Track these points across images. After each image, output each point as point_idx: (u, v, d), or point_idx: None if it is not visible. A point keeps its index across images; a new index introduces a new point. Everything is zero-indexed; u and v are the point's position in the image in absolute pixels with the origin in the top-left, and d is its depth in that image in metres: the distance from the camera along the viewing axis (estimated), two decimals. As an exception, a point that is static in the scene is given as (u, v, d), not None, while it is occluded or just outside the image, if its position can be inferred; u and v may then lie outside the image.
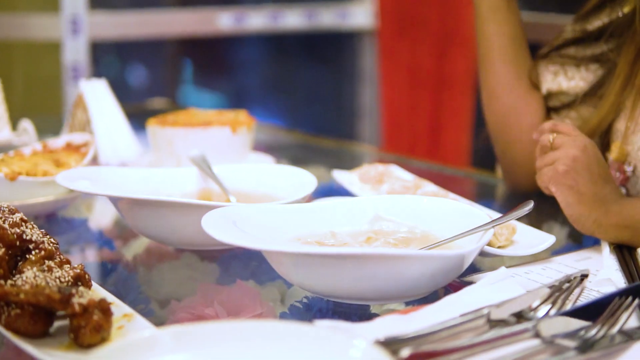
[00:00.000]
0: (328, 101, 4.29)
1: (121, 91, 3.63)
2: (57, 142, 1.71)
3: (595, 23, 1.67)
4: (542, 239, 1.32)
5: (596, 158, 1.37)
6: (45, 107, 3.23)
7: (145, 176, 1.50)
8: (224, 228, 1.13)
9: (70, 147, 1.70)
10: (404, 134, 3.14)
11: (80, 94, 1.99)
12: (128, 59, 3.94)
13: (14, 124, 1.99)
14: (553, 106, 1.70)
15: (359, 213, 1.32)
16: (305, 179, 1.46)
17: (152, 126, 1.74)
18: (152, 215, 1.30)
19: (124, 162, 1.94)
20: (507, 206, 1.72)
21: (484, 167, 2.82)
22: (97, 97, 1.97)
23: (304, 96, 4.35)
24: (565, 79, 1.69)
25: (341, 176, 1.71)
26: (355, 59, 3.99)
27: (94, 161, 1.90)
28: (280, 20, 3.63)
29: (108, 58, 3.77)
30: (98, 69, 3.42)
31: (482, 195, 1.86)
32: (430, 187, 1.62)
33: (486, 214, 1.24)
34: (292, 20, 3.66)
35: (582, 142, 1.37)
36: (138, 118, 2.76)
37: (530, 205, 1.22)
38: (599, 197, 1.35)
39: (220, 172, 1.53)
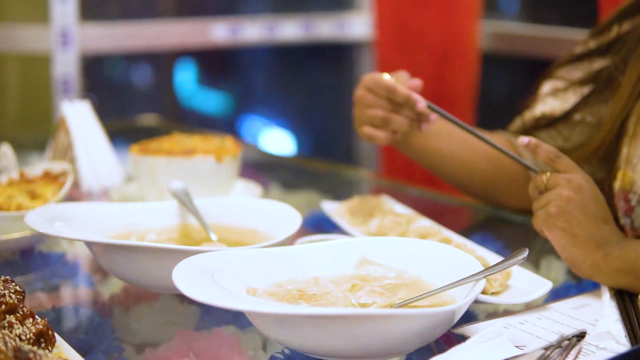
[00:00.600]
0: (327, 109, 4.22)
1: (115, 103, 3.58)
2: (34, 170, 1.65)
3: (605, 39, 1.61)
4: (538, 285, 1.25)
5: (593, 197, 1.30)
6: (35, 120, 3.15)
7: (123, 210, 1.43)
8: (197, 283, 1.06)
9: (48, 177, 1.63)
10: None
11: (63, 116, 1.92)
12: (122, 68, 3.86)
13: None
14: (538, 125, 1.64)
15: (345, 256, 1.25)
16: (289, 215, 1.39)
17: (134, 154, 1.67)
18: (126, 260, 1.23)
19: (106, 189, 1.87)
20: (504, 238, 1.65)
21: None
22: (80, 120, 1.90)
23: (304, 102, 4.27)
24: (558, 101, 1.63)
25: (330, 208, 1.64)
26: (353, 69, 3.92)
27: (75, 187, 1.84)
28: (276, 32, 3.56)
29: (100, 69, 3.70)
30: (90, 80, 3.34)
31: (478, 227, 1.78)
32: (423, 222, 1.55)
33: (478, 261, 1.17)
34: (289, 31, 3.59)
35: (577, 182, 1.30)
36: (126, 135, 2.70)
37: (524, 254, 1.15)
38: (595, 238, 1.28)
39: (201, 206, 1.46)
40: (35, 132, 2.90)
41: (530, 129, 1.66)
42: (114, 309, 1.34)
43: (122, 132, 2.68)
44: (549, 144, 1.40)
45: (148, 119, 2.78)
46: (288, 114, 4.30)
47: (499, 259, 1.37)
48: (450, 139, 1.67)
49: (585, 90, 1.60)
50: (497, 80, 3.49)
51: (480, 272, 1.13)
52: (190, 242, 1.41)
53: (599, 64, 1.60)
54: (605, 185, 1.50)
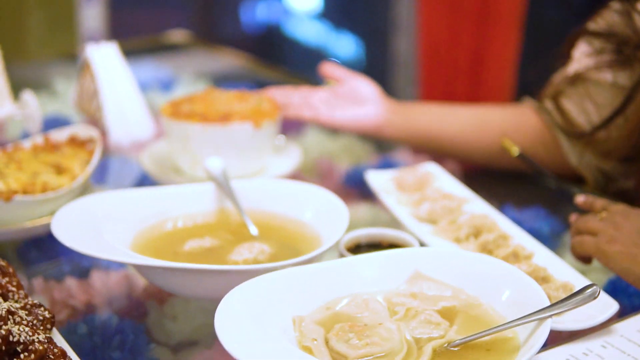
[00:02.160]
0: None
1: (140, 15, 3.38)
2: (60, 134, 1.54)
3: None
4: (604, 306, 1.16)
5: None
6: (60, 28, 3.00)
7: (156, 196, 1.34)
8: (240, 323, 0.98)
9: (75, 143, 1.53)
10: (444, 66, 2.90)
11: (87, 61, 1.80)
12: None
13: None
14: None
15: (396, 269, 1.16)
16: (336, 209, 1.29)
17: (166, 117, 1.56)
18: (162, 275, 1.15)
19: (135, 142, 1.77)
20: (558, 212, 1.56)
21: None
22: (106, 66, 1.78)
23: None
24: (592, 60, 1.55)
25: (376, 180, 1.54)
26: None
27: (103, 138, 1.74)
28: None
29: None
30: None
31: (526, 196, 1.68)
32: (477, 202, 1.45)
33: (543, 292, 1.07)
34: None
35: (622, 209, 1.29)
36: (153, 55, 2.57)
37: (595, 292, 1.06)
38: None
39: (240, 189, 1.37)
40: (59, 49, 2.77)
41: (560, 91, 1.60)
42: (149, 309, 1.26)
43: (149, 52, 2.55)
44: (578, 104, 1.51)
45: (177, 36, 2.64)
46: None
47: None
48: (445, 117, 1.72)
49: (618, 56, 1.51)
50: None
51: (546, 308, 1.04)
52: (228, 231, 1.32)
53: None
54: None
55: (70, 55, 2.55)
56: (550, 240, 1.47)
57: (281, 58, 4.30)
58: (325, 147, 1.92)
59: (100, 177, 1.64)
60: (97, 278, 1.34)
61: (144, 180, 1.66)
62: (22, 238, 1.39)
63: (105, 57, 1.78)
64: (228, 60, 2.56)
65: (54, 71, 2.34)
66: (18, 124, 1.83)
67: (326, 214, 1.30)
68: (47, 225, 1.36)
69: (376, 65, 3.92)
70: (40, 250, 1.40)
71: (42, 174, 1.40)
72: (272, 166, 1.62)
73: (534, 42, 2.84)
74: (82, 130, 1.54)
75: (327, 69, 1.76)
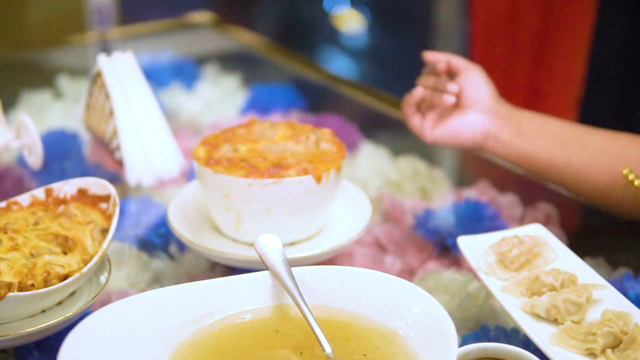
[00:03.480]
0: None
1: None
2: (65, 187, 1.20)
3: None
4: None
5: None
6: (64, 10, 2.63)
7: (195, 296, 1.01)
8: None
9: (85, 198, 1.19)
10: (501, 45, 2.52)
11: (100, 72, 1.45)
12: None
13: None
14: None
15: None
16: (441, 323, 0.96)
17: (202, 167, 1.21)
18: None
19: (159, 180, 1.43)
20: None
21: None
22: (123, 81, 1.43)
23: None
24: None
25: (469, 249, 1.21)
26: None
27: (119, 167, 1.41)
28: None
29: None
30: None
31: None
32: (608, 292, 1.12)
33: None
34: None
35: None
36: (176, 36, 2.22)
37: None
38: None
39: (305, 279, 1.04)
40: (63, 29, 2.41)
41: None
42: None
43: (168, 36, 2.20)
44: None
45: (201, 17, 2.28)
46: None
47: None
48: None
49: None
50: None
51: None
52: (291, 347, 0.99)
53: None
54: None
55: (76, 43, 2.20)
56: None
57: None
58: (384, 173, 1.59)
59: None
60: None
61: (170, 236, 1.33)
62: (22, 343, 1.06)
63: (120, 71, 1.43)
64: (255, 45, 2.21)
65: (58, 62, 2.01)
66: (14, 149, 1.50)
67: (425, 326, 0.97)
68: (55, 326, 1.05)
69: (411, 33, 3.54)
70: (45, 353, 1.08)
71: (44, 253, 1.07)
72: (335, 223, 1.29)
73: (610, 22, 2.46)
74: (93, 183, 1.19)
75: (431, 56, 1.45)
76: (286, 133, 1.30)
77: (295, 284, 1.03)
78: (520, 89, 2.50)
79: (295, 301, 1.01)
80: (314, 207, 1.23)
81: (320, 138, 1.28)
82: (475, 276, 1.24)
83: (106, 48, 1.55)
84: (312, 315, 0.99)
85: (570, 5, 2.39)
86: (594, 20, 2.33)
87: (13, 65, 1.76)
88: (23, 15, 2.54)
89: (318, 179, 1.20)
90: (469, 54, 2.56)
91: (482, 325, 1.14)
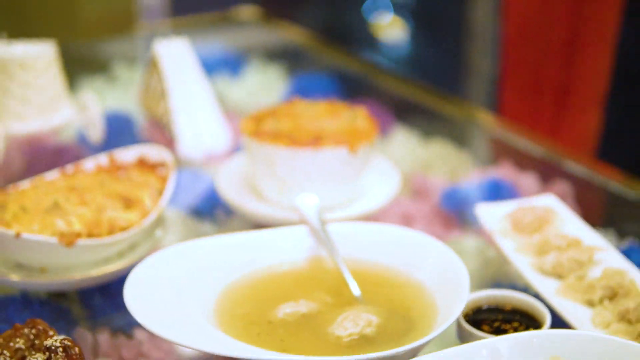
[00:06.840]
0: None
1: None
2: (127, 155, 1.35)
3: None
4: None
5: None
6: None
7: (241, 245, 1.15)
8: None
9: (144, 166, 1.34)
10: (533, 44, 2.63)
11: (155, 58, 1.60)
12: None
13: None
14: None
15: (532, 354, 0.97)
16: (456, 272, 1.09)
17: (249, 138, 1.35)
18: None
19: (209, 155, 1.57)
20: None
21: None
22: (177, 66, 1.58)
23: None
24: None
25: (487, 215, 1.33)
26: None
27: (171, 144, 1.54)
28: None
29: None
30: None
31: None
32: (610, 253, 1.23)
33: None
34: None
35: None
36: (221, 31, 2.36)
37: None
38: None
39: (339, 234, 1.17)
40: (115, 25, 2.56)
41: None
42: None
43: (215, 30, 2.34)
44: None
45: (246, 13, 2.42)
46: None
47: None
48: None
49: None
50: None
51: None
52: (325, 290, 1.12)
53: None
54: None
55: (128, 34, 2.35)
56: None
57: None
58: (416, 155, 1.72)
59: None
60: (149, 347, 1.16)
61: (217, 204, 1.46)
62: (86, 287, 1.20)
63: (175, 56, 1.58)
64: (301, 39, 2.35)
65: (111, 52, 2.16)
66: (76, 126, 1.65)
67: (443, 276, 1.10)
68: (115, 273, 1.19)
69: (446, 33, 3.65)
70: (106, 297, 1.22)
71: (108, 209, 1.21)
72: (367, 192, 1.42)
73: (635, 22, 2.57)
74: (152, 152, 1.34)
75: None
76: (325, 111, 1.43)
77: (329, 237, 1.16)
78: (550, 86, 2.62)
79: (328, 252, 1.15)
80: (349, 175, 1.36)
81: (356, 116, 1.42)
82: (492, 244, 1.36)
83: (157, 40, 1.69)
84: (342, 264, 1.13)
85: (598, 7, 2.50)
86: (619, 21, 2.44)
87: (70, 54, 1.89)
88: (80, 9, 2.69)
89: (353, 150, 1.34)
90: (502, 54, 2.68)
91: (496, 283, 1.26)
